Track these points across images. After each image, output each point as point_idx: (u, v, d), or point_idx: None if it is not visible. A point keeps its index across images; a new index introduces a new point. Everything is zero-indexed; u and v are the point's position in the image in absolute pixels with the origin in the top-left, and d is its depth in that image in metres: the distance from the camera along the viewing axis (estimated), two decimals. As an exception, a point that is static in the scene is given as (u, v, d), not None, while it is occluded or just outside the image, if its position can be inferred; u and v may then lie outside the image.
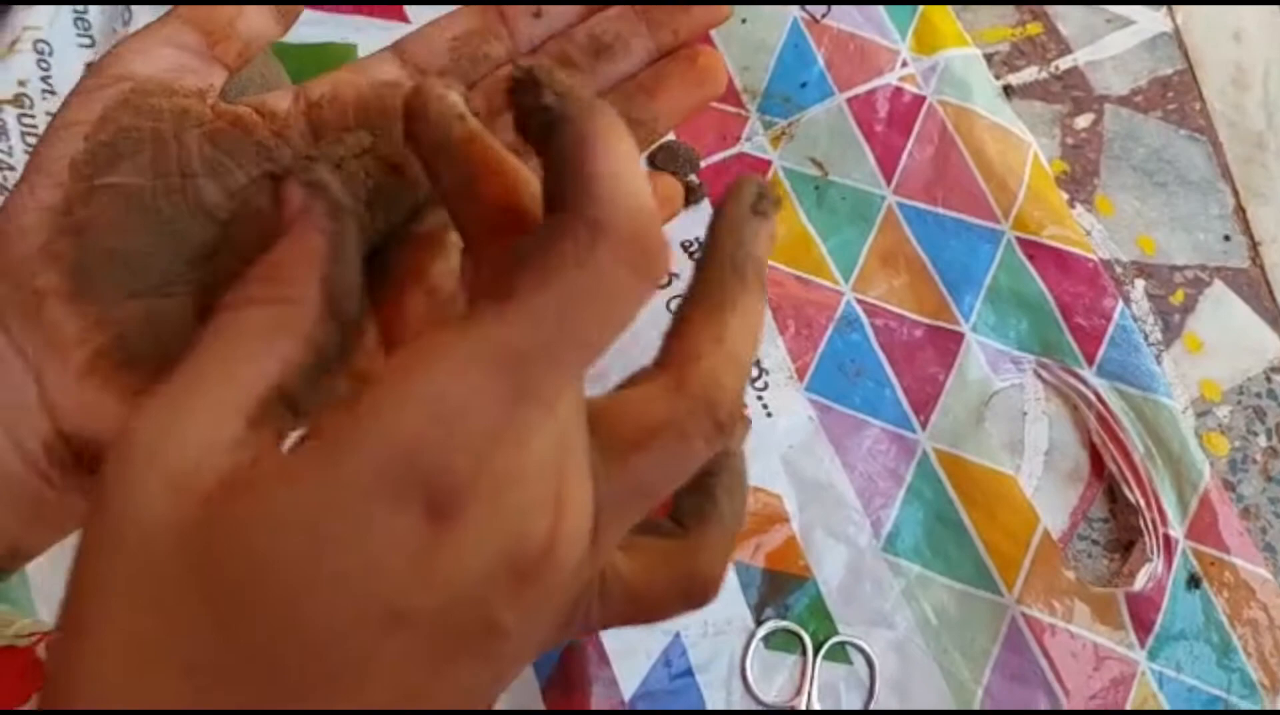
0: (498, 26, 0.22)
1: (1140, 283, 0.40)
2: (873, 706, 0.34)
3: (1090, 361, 0.38)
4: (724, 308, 0.17)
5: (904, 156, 0.40)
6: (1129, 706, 0.35)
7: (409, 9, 0.42)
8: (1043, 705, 0.34)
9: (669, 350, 0.17)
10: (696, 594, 0.18)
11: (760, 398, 0.37)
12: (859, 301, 0.39)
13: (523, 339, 0.14)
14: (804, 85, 0.41)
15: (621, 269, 0.14)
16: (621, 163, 0.15)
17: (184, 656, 0.14)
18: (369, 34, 0.41)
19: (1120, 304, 0.38)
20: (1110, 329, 0.38)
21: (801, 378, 0.38)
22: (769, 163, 0.41)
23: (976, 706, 0.34)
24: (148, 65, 0.20)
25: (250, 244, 0.20)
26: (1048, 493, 0.37)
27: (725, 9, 0.23)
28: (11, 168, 0.38)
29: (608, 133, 0.15)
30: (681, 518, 0.18)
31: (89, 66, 0.40)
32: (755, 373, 0.38)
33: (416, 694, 0.14)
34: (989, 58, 0.42)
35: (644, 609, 0.18)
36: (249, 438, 0.15)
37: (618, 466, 0.16)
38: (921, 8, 0.42)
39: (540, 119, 0.15)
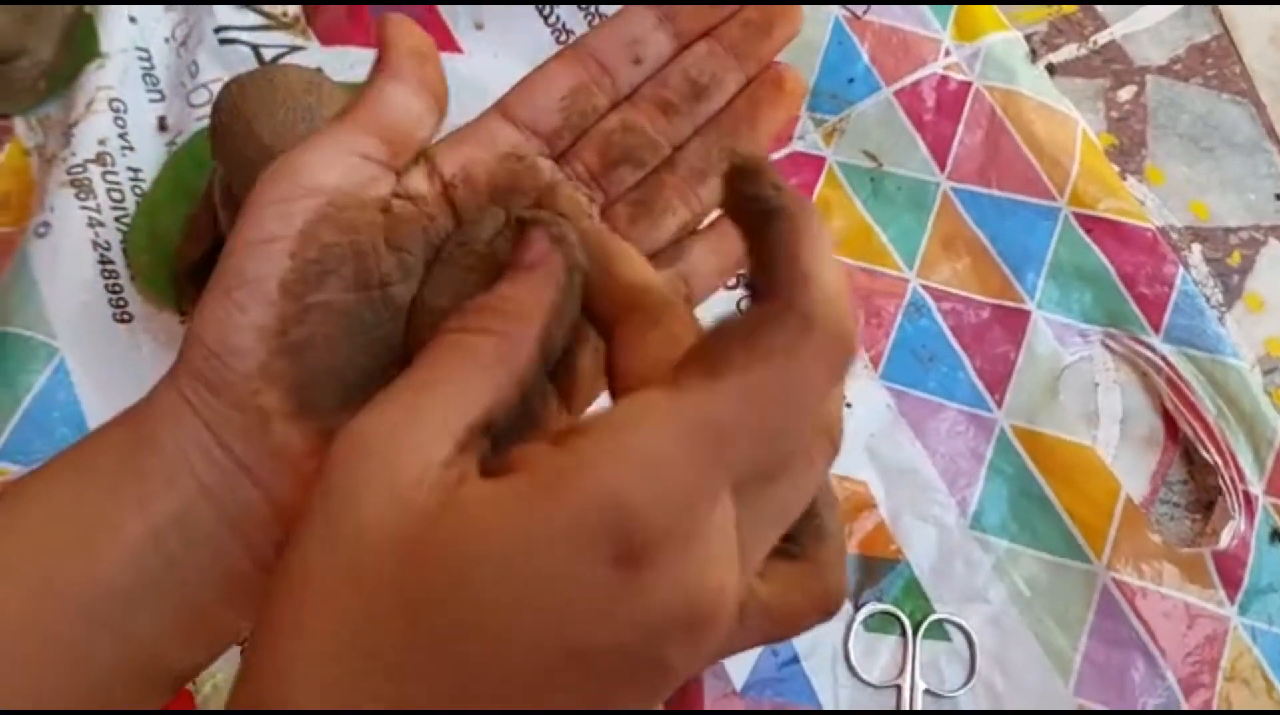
0: (601, 77, 0.23)
1: (1197, 248, 0.41)
2: (975, 681, 0.35)
3: (1156, 329, 0.39)
4: (810, 235, 0.16)
5: (955, 143, 0.41)
6: (1224, 664, 0.35)
7: (461, 39, 0.43)
8: (1141, 668, 0.35)
9: (767, 283, 0.17)
10: (830, 607, 0.19)
11: (838, 389, 0.38)
12: (924, 287, 0.40)
13: (729, 413, 0.15)
14: (851, 81, 0.42)
15: (822, 364, 0.15)
16: (828, 262, 0.15)
17: (389, 661, 0.15)
18: (426, 66, 0.42)
19: (1181, 270, 0.39)
20: (1173, 296, 0.39)
21: (876, 367, 0.39)
22: (823, 159, 0.42)
23: (1075, 673, 0.35)
24: (335, 176, 0.20)
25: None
26: (1126, 459, 0.38)
27: (800, 18, 0.24)
28: (101, 224, 0.40)
29: (820, 232, 0.16)
30: (800, 538, 0.19)
31: (161, 120, 0.42)
32: (830, 365, 0.39)
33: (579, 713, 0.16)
34: (1028, 39, 0.43)
35: (784, 629, 0.19)
36: (456, 459, 0.16)
37: (759, 496, 0.17)
38: (959, -3, 0.42)
39: (757, 207, 0.16)
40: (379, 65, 0.21)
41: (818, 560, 0.19)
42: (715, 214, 0.24)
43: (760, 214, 0.16)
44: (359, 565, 0.15)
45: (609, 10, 0.43)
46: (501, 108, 0.23)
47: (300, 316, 0.20)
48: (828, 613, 0.19)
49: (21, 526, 0.20)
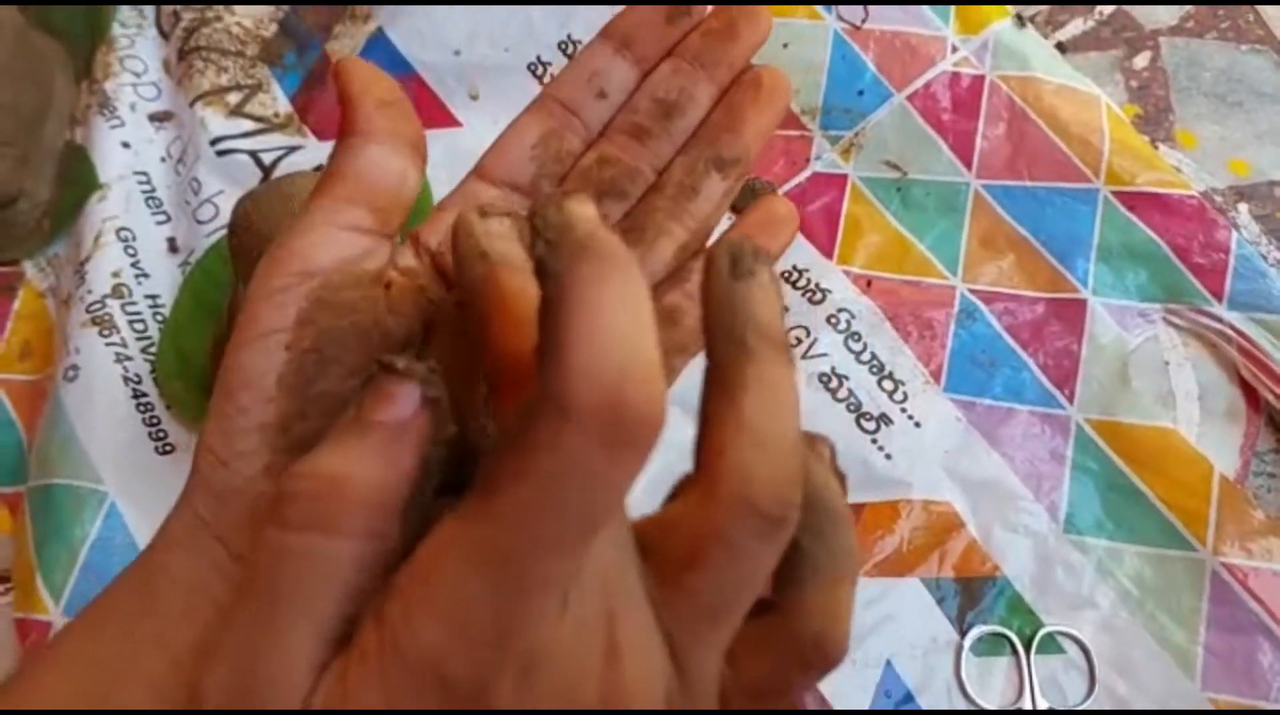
0: (569, 119, 0.23)
1: (1244, 207, 0.40)
2: (1098, 691, 0.34)
3: (1219, 297, 0.37)
4: (734, 389, 0.15)
5: (978, 139, 0.40)
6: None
7: (457, 112, 0.43)
8: (1268, 650, 0.34)
9: (697, 450, 0.16)
10: (817, 658, 0.16)
11: (904, 410, 0.37)
12: (972, 291, 0.39)
13: (509, 536, 0.14)
14: (861, 93, 0.41)
15: (593, 448, 0.13)
16: (599, 317, 0.13)
17: None
18: (429, 147, 0.41)
19: (1233, 233, 0.38)
20: (1231, 260, 0.37)
21: (938, 380, 0.38)
22: (845, 176, 0.41)
23: (1200, 666, 0.34)
24: (328, 255, 0.19)
25: None
26: (1211, 437, 0.37)
27: (767, 17, 0.23)
28: (128, 357, 0.39)
29: (591, 282, 0.13)
30: (774, 585, 0.17)
31: (171, 242, 0.41)
32: (891, 386, 0.38)
33: None
34: (1031, 20, 0.42)
35: (769, 698, 0.17)
36: (329, 658, 0.15)
37: (674, 590, 0.15)
38: (956, -11, 0.41)
39: (538, 273, 0.14)
40: (347, 124, 0.20)
41: (788, 606, 0.16)
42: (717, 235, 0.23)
43: (541, 280, 0.14)
44: None
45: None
46: (478, 171, 0.22)
47: (302, 410, 0.19)
48: (813, 665, 0.16)
49: (39, 689, 0.19)
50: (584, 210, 0.14)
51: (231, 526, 0.19)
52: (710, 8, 0.23)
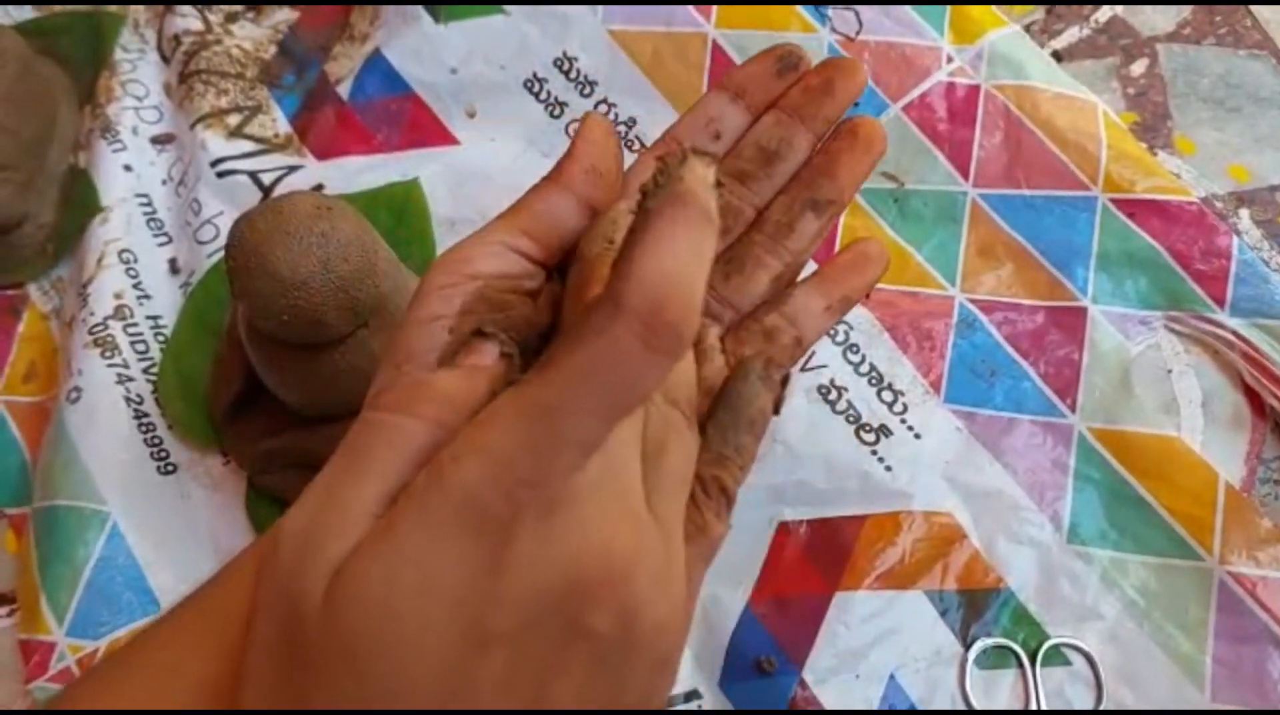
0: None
1: (1244, 212, 0.39)
2: (1104, 703, 0.33)
3: (1221, 303, 0.37)
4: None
5: (975, 148, 0.40)
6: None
7: (455, 130, 0.43)
8: (1277, 660, 0.33)
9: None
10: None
11: (904, 421, 0.37)
12: (971, 301, 0.39)
13: (555, 397, 0.17)
14: (856, 104, 0.41)
15: (634, 340, 0.16)
16: (667, 247, 0.16)
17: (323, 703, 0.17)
18: (427, 165, 0.42)
19: (1235, 238, 0.37)
20: (1232, 266, 0.37)
21: (937, 391, 0.37)
22: (842, 187, 0.41)
23: (1208, 678, 0.33)
24: (494, 265, 0.22)
25: None
26: (1216, 444, 0.36)
27: (860, 75, 0.26)
28: (130, 378, 0.39)
29: (673, 221, 0.16)
30: None
31: (172, 263, 0.42)
32: (890, 397, 0.37)
33: (534, 701, 0.18)
34: (1028, 29, 0.42)
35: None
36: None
37: (652, 467, 0.20)
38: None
39: (640, 202, 0.18)
40: (556, 172, 0.23)
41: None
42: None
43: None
44: (293, 626, 0.17)
45: (597, 80, 0.42)
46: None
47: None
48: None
49: (126, 683, 0.21)
50: (701, 170, 0.17)
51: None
52: (820, 64, 0.26)
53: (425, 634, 0.17)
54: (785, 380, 0.24)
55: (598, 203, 0.23)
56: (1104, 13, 0.43)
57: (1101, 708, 0.33)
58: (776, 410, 0.23)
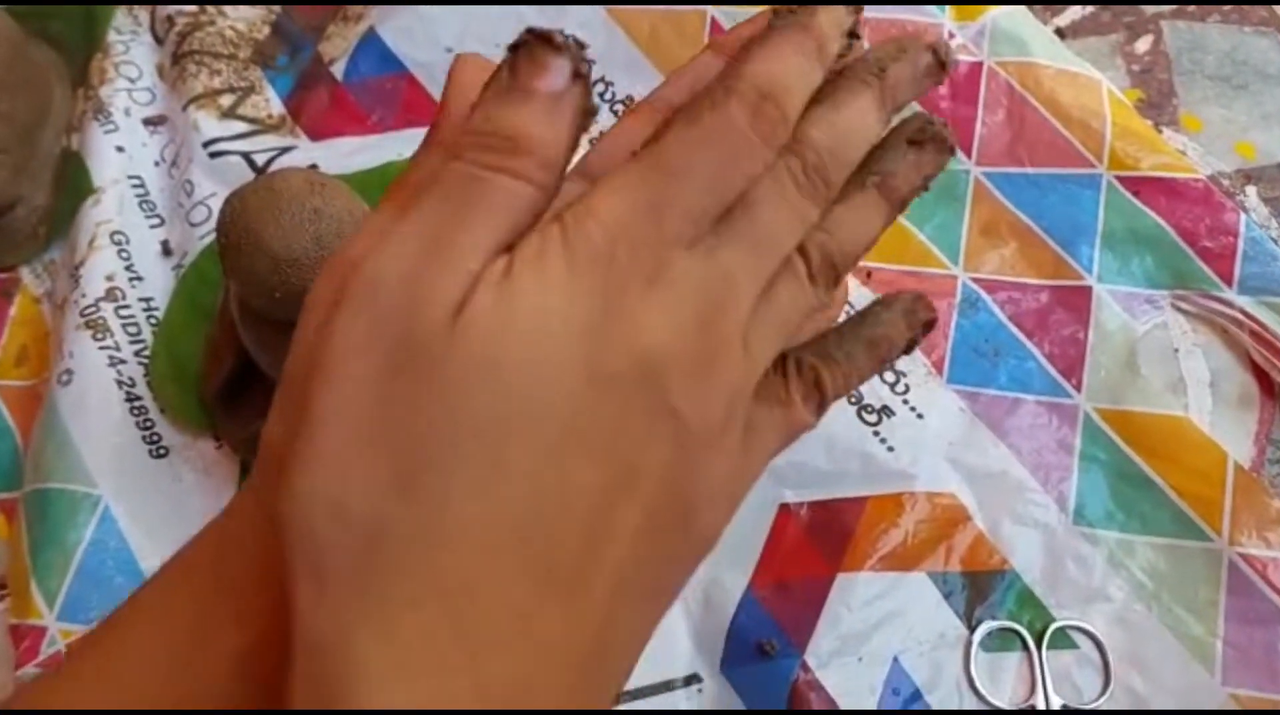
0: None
1: (1251, 190, 0.39)
2: (1113, 686, 0.33)
3: (1229, 281, 0.36)
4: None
5: (977, 125, 0.39)
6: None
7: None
8: (1289, 643, 0.32)
9: None
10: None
11: (906, 401, 0.36)
12: (974, 280, 0.38)
13: (671, 160, 0.18)
14: (857, 82, 0.41)
15: (744, 118, 0.18)
16: (776, 59, 0.19)
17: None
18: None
19: (1242, 216, 0.37)
20: (1240, 244, 0.37)
21: (940, 371, 0.37)
22: (843, 167, 0.40)
23: (1219, 660, 0.33)
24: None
25: None
26: (1224, 424, 0.36)
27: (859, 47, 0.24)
28: (122, 361, 0.39)
29: (786, 42, 0.19)
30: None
31: (164, 245, 0.41)
32: (892, 377, 0.37)
33: (629, 469, 0.17)
34: (1030, 6, 0.42)
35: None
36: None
37: (736, 228, 0.19)
38: (952, -24, 0.41)
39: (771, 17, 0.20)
40: (432, 132, 0.21)
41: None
42: None
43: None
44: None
45: (594, 59, 0.42)
46: (580, 169, 0.23)
47: None
48: None
49: (123, 645, 0.20)
50: (839, 14, 0.20)
51: None
52: None
53: (556, 358, 0.17)
54: (930, 324, 0.24)
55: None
56: (1108, -11, 0.42)
57: (1110, 691, 0.33)
58: (908, 349, 0.24)
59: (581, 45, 0.18)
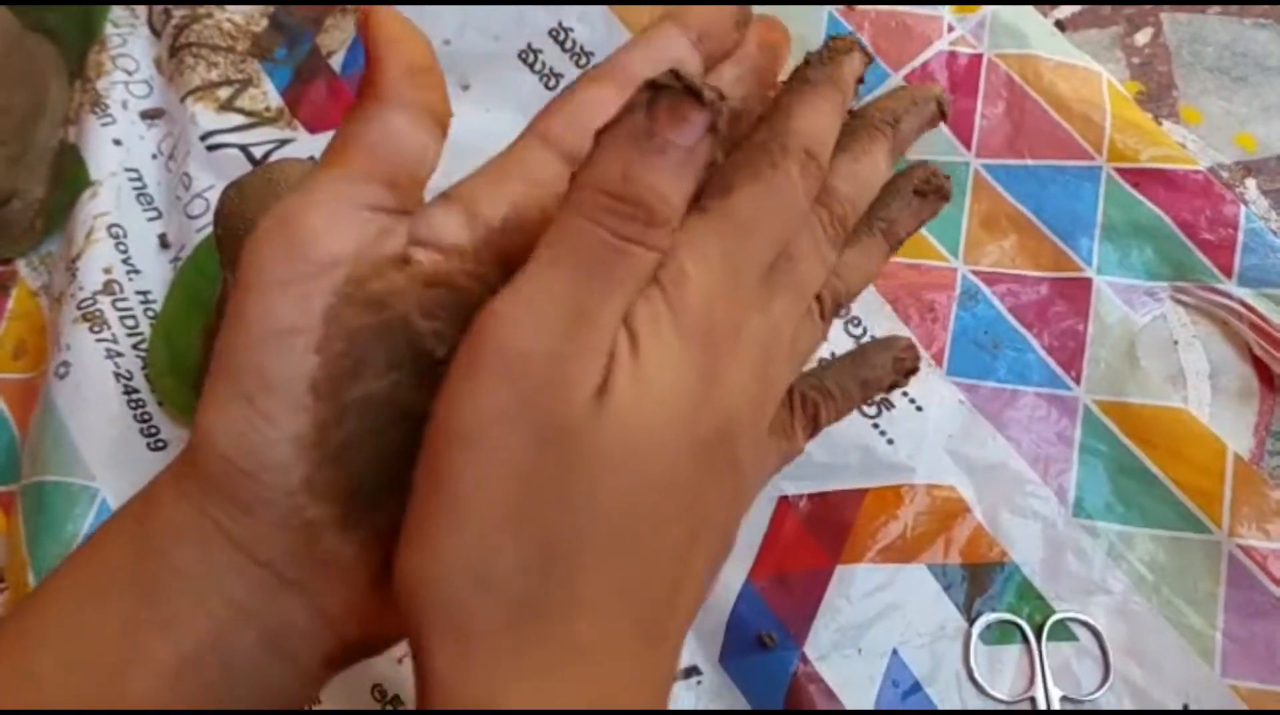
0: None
1: (1251, 182, 0.39)
2: (1112, 679, 0.33)
3: (1228, 274, 0.36)
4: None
5: (977, 118, 0.39)
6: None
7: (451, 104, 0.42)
8: (1289, 635, 0.32)
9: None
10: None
11: (905, 393, 0.36)
12: (974, 273, 0.38)
13: (746, 217, 0.19)
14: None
15: (797, 176, 0.19)
16: (815, 114, 0.20)
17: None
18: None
19: (1242, 208, 0.37)
20: (1239, 236, 0.36)
21: (940, 363, 0.37)
22: (842, 159, 0.40)
23: (1219, 653, 0.33)
24: (346, 240, 0.18)
25: None
26: (1224, 416, 0.35)
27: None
28: (119, 354, 0.38)
29: (821, 98, 0.20)
30: None
31: (162, 238, 0.41)
32: (892, 370, 0.37)
33: (703, 512, 0.19)
34: None
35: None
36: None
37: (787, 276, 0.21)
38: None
39: (802, 68, 0.21)
40: (369, 88, 0.18)
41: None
42: None
43: (793, 78, 0.21)
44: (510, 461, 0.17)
45: (593, 51, 0.41)
46: (538, 134, 0.21)
47: (338, 417, 0.17)
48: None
49: (44, 648, 0.18)
50: (856, 64, 0.22)
51: (258, 537, 0.18)
52: (761, 20, 0.25)
53: (675, 435, 0.17)
54: (913, 371, 0.26)
55: (434, 108, 0.19)
56: (1108, -19, 0.42)
57: (1109, 683, 0.33)
58: (890, 388, 0.26)
59: (723, 97, 0.17)
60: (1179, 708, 0.32)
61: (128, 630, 0.18)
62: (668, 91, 0.17)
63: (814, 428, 0.25)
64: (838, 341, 0.37)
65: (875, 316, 0.38)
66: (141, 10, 0.45)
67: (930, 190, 0.25)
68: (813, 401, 0.24)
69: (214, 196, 0.40)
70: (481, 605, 0.17)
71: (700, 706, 0.33)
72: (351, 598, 0.18)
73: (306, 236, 0.17)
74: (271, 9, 0.44)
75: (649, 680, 0.19)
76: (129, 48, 0.44)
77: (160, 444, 0.38)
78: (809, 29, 0.41)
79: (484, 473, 0.17)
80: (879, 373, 0.26)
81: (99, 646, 0.18)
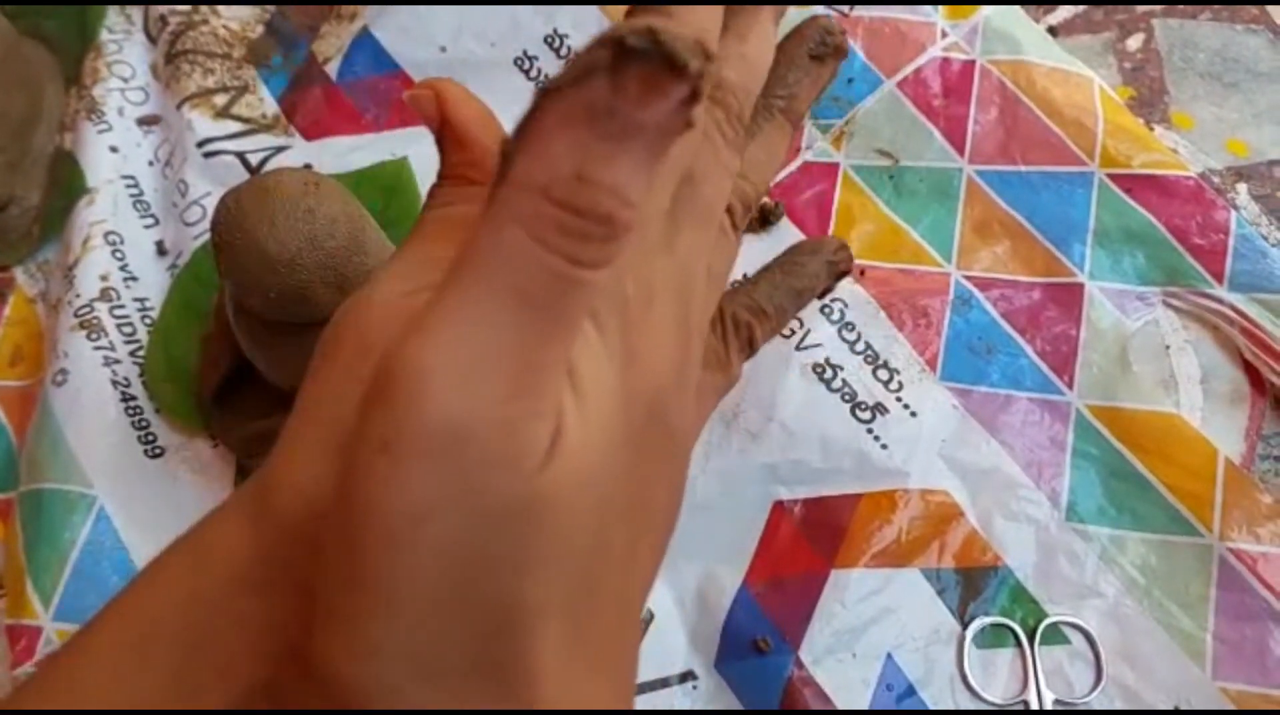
0: None
1: (1242, 187, 0.39)
2: (1105, 681, 0.33)
3: (1219, 279, 0.37)
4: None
5: (970, 124, 0.40)
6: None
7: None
8: (1279, 639, 0.33)
9: None
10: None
11: (899, 399, 0.36)
12: (967, 278, 0.38)
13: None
14: (850, 81, 0.41)
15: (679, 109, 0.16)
16: (688, 11, 0.17)
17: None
18: (416, 144, 0.41)
19: (1233, 213, 0.37)
20: (1230, 241, 0.37)
21: (933, 368, 0.37)
22: (836, 165, 0.40)
23: (1209, 655, 0.33)
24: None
25: None
26: (1215, 421, 0.36)
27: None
28: (117, 361, 0.39)
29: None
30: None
31: (159, 245, 0.41)
32: (886, 375, 0.37)
33: (645, 499, 0.17)
34: (1023, 4, 0.42)
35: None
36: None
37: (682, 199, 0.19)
38: (945, -25, 0.41)
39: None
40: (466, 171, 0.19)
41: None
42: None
43: None
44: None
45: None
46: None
47: None
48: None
49: (87, 700, 0.17)
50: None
51: None
52: None
53: (616, 451, 0.15)
54: (845, 273, 0.25)
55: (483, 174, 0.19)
56: (1100, -12, 0.42)
57: (1102, 686, 0.33)
58: (823, 294, 0.24)
59: (709, 56, 0.12)
60: (1170, 709, 0.33)
61: (183, 679, 0.17)
62: (639, 58, 0.12)
63: (750, 351, 0.22)
64: (832, 347, 0.37)
65: (869, 322, 0.38)
66: (137, 16, 0.45)
67: (828, 52, 0.22)
68: (746, 323, 0.22)
69: (211, 203, 0.40)
70: (425, 697, 0.14)
71: (696, 709, 0.33)
72: None
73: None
74: (267, 16, 0.44)
75: (620, 695, 0.17)
76: (125, 54, 0.44)
77: (158, 451, 0.38)
78: (803, 35, 0.41)
79: (418, 567, 0.14)
80: (812, 281, 0.23)
81: (153, 694, 0.17)
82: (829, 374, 0.37)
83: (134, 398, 0.38)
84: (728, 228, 0.19)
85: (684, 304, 0.17)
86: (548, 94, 0.13)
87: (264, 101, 0.43)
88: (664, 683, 0.34)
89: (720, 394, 0.21)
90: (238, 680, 0.17)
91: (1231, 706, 0.32)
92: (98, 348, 0.39)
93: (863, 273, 0.39)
